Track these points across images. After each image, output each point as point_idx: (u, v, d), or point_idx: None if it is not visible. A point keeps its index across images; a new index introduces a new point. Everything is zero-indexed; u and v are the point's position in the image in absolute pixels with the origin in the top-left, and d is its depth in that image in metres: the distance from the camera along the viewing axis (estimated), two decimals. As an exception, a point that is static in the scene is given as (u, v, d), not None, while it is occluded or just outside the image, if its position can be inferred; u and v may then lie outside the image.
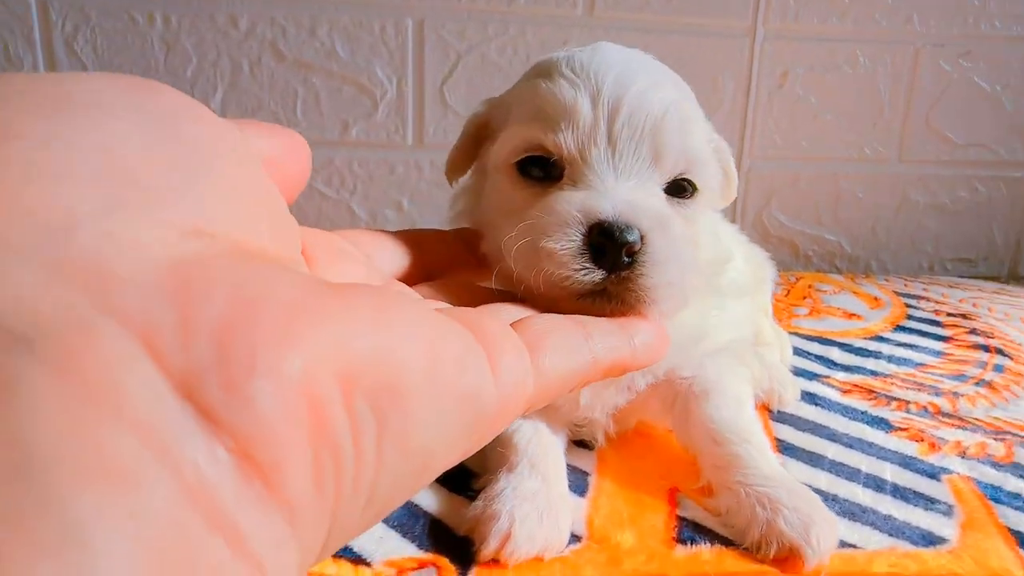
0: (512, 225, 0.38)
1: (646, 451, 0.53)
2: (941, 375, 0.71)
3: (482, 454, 0.48)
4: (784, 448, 0.55)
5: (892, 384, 0.68)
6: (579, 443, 0.53)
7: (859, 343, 0.80)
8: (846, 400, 0.64)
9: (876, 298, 0.98)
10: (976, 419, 0.60)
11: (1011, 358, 0.75)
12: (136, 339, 0.14)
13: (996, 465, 0.52)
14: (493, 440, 0.46)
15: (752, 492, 0.43)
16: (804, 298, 0.97)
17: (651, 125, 0.39)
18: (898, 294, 1.00)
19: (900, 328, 0.85)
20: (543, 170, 0.41)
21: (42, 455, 0.12)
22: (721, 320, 0.51)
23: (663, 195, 0.41)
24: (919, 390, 0.67)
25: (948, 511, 0.47)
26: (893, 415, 0.61)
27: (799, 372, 0.69)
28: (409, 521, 0.43)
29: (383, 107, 1.04)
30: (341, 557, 0.40)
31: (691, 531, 0.44)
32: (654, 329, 0.33)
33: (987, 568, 0.41)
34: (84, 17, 0.96)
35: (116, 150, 0.17)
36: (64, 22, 0.96)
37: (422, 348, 0.19)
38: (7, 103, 0.16)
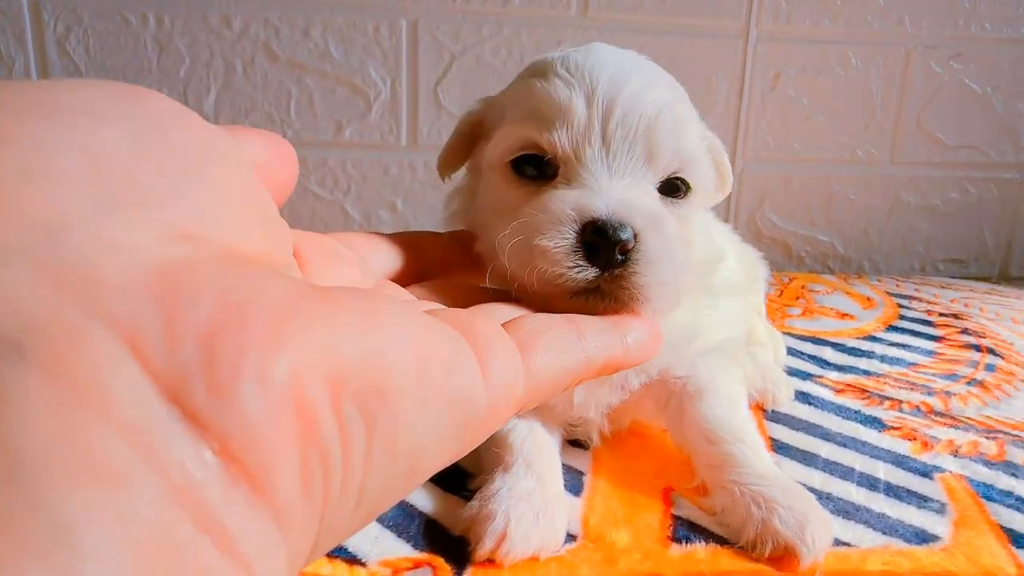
0: (506, 224, 0.38)
1: (641, 451, 0.53)
2: (933, 374, 0.71)
3: (477, 454, 0.48)
4: (778, 447, 0.55)
5: (885, 383, 0.68)
6: (574, 443, 0.53)
7: (852, 343, 0.80)
8: (839, 399, 0.64)
9: (869, 298, 0.98)
10: (968, 418, 0.61)
11: (1003, 357, 0.76)
12: (123, 343, 0.14)
13: (988, 463, 0.53)
14: (488, 440, 0.47)
15: (747, 491, 0.43)
16: (797, 298, 0.98)
17: (645, 125, 0.40)
18: (890, 294, 1.00)
19: (892, 328, 0.86)
20: (537, 169, 0.41)
21: (32, 458, 0.12)
22: (713, 319, 0.51)
23: (657, 194, 0.41)
24: (912, 389, 0.67)
25: (941, 509, 0.47)
26: (886, 414, 0.61)
27: (792, 372, 0.70)
28: (404, 521, 0.43)
29: (377, 108, 1.04)
30: (336, 557, 0.40)
31: (686, 530, 0.44)
32: (647, 327, 0.33)
33: (979, 565, 0.41)
34: (76, 18, 0.96)
35: (106, 155, 0.17)
36: (56, 23, 0.95)
37: (411, 350, 0.19)
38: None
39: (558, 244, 0.36)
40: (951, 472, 0.51)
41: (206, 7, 0.98)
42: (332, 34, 1.01)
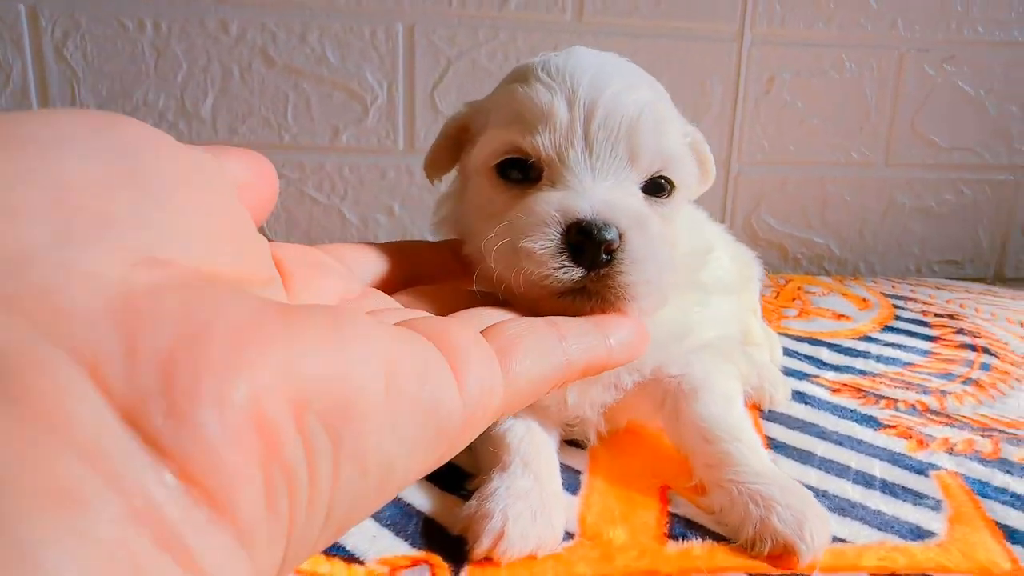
0: (492, 227, 0.38)
1: (638, 450, 0.53)
2: (929, 374, 0.71)
3: (475, 454, 0.48)
4: (775, 446, 0.55)
5: (881, 383, 0.69)
6: (571, 442, 0.54)
7: (848, 343, 0.80)
8: (835, 399, 0.64)
9: (864, 299, 0.99)
10: (963, 416, 0.61)
11: (998, 357, 0.76)
12: (84, 369, 0.14)
13: (983, 461, 0.53)
14: (486, 440, 0.47)
15: (744, 490, 0.43)
16: (793, 300, 0.98)
17: (627, 126, 0.40)
18: (886, 296, 1.01)
19: (888, 328, 0.86)
20: (522, 172, 0.42)
21: None
22: (704, 316, 0.51)
23: (641, 194, 0.42)
24: (907, 388, 0.67)
25: (936, 506, 0.47)
26: (882, 413, 0.61)
27: (789, 372, 0.70)
28: (403, 520, 0.43)
29: (374, 112, 1.04)
30: (334, 555, 0.40)
31: (683, 527, 0.44)
32: (632, 326, 0.34)
33: (975, 561, 0.41)
34: (74, 23, 0.96)
35: (73, 186, 0.17)
36: (54, 28, 0.96)
37: (378, 365, 0.19)
38: None
39: (543, 246, 0.37)
40: (946, 469, 0.52)
41: (203, 12, 0.98)
42: (329, 39, 1.01)
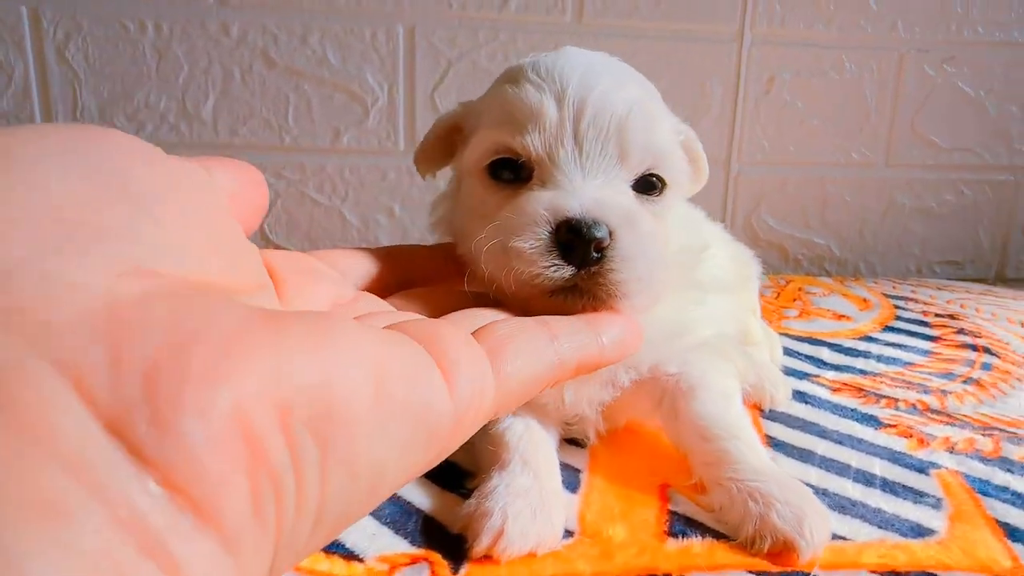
0: (484, 228, 0.39)
1: (637, 448, 0.53)
2: (929, 373, 0.71)
3: (474, 452, 0.48)
4: (775, 445, 0.55)
5: (881, 382, 0.68)
6: (571, 441, 0.54)
7: (848, 343, 0.80)
8: (836, 398, 0.64)
9: (865, 300, 0.99)
10: (964, 415, 0.61)
11: (999, 356, 0.76)
12: (68, 380, 0.15)
13: (984, 460, 0.53)
14: (485, 438, 0.47)
15: (744, 487, 0.43)
16: (794, 300, 0.98)
17: (616, 124, 0.40)
18: (887, 296, 1.01)
19: (889, 328, 0.86)
20: (513, 172, 0.42)
21: None
22: (701, 315, 0.51)
23: (631, 192, 0.42)
24: (908, 388, 0.67)
25: (937, 504, 0.47)
26: (882, 412, 0.61)
27: (789, 371, 0.70)
28: (402, 518, 0.43)
29: (374, 114, 1.04)
30: (334, 553, 0.40)
31: (682, 525, 0.44)
32: (624, 323, 0.34)
33: (975, 558, 0.41)
34: (76, 25, 0.96)
35: (60, 198, 0.17)
36: (55, 30, 0.96)
37: (366, 369, 0.19)
38: None
39: (533, 245, 0.37)
40: (947, 468, 0.52)
41: (205, 14, 0.98)
42: (330, 41, 1.01)
